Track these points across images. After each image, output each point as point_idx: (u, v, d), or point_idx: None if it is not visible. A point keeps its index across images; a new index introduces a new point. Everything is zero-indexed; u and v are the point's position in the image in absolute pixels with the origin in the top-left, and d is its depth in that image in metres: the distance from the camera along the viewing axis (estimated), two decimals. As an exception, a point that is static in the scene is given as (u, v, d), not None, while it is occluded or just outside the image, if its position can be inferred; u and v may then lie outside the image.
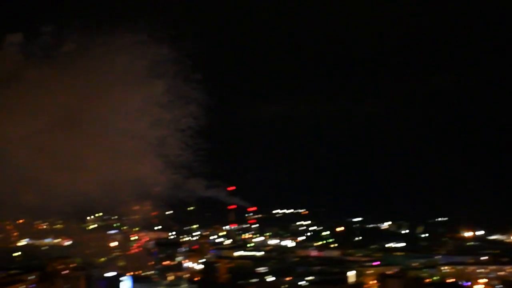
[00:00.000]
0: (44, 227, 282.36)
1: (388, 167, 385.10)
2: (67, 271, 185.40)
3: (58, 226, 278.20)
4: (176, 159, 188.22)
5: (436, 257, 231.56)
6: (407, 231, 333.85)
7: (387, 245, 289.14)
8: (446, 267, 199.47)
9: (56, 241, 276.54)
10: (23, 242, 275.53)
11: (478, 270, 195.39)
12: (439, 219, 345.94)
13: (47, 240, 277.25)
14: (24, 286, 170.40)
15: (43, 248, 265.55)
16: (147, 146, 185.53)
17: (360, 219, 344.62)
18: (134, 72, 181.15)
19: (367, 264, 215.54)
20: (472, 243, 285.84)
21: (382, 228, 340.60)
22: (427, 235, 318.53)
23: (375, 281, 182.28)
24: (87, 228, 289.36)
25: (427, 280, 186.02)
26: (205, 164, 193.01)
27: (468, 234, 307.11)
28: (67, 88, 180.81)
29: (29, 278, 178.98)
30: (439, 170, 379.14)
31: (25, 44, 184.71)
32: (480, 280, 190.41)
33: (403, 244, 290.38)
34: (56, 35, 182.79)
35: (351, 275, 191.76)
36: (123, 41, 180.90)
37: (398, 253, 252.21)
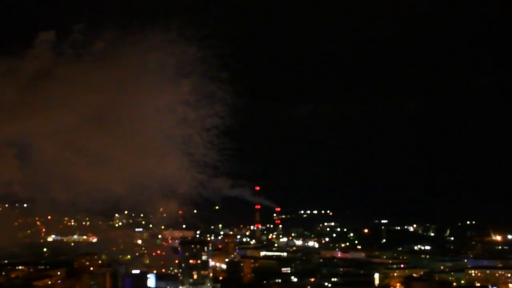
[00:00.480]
0: (72, 223, 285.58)
1: (415, 169, 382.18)
2: (93, 268, 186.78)
3: (86, 223, 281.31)
4: (201, 158, 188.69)
5: (464, 260, 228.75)
6: (434, 234, 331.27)
7: (413, 248, 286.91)
8: (474, 271, 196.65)
9: (83, 237, 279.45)
10: (51, 238, 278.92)
11: (507, 274, 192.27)
12: (467, 222, 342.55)
13: (75, 237, 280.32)
14: (52, 281, 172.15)
15: (70, 244, 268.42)
16: (173, 145, 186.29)
17: (385, 221, 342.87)
18: (162, 71, 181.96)
19: (393, 266, 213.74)
20: (501, 247, 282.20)
21: (409, 230, 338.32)
22: (454, 238, 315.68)
23: (401, 284, 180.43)
24: (114, 225, 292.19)
25: (454, 284, 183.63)
26: (230, 163, 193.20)
27: (497, 237, 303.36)
28: (97, 86, 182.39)
29: (56, 273, 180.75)
30: (469, 173, 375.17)
31: (57, 42, 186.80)
32: (510, 285, 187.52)
33: (430, 247, 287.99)
34: (87, 34, 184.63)
35: (376, 277, 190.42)
36: (153, 40, 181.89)
37: (425, 256, 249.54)
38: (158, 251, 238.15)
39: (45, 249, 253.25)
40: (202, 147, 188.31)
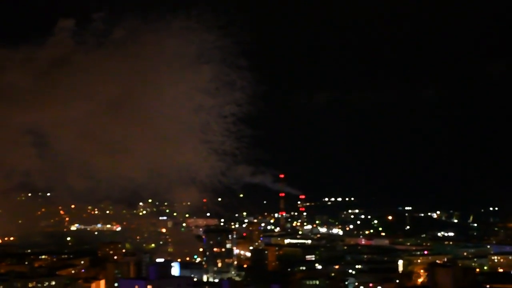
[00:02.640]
0: (96, 212, 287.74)
1: (439, 156, 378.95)
2: (117, 257, 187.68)
3: (109, 211, 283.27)
4: (219, 145, 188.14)
5: (487, 246, 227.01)
6: (457, 220, 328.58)
7: (437, 234, 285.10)
8: (497, 257, 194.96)
9: (107, 226, 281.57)
10: (74, 227, 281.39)
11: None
12: (490, 208, 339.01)
13: (98, 226, 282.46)
14: (75, 270, 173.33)
15: (94, 233, 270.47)
16: (191, 132, 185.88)
17: (409, 208, 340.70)
18: (181, 58, 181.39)
19: (417, 253, 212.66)
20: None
21: (432, 217, 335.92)
22: (477, 224, 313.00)
23: (425, 271, 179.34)
24: (138, 214, 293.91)
25: (478, 270, 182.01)
26: (249, 151, 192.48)
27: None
28: (115, 74, 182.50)
29: (80, 262, 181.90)
30: (492, 159, 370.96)
31: (77, 30, 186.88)
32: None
33: (453, 234, 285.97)
34: (107, 22, 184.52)
35: (400, 264, 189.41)
36: (172, 28, 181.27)
37: (448, 242, 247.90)
38: (182, 238, 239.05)
39: (68, 238, 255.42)
40: (219, 134, 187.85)
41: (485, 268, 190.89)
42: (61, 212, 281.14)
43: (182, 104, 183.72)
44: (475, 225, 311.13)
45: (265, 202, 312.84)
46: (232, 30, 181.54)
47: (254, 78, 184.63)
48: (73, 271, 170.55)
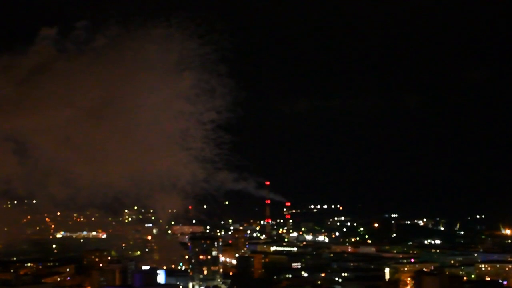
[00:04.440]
0: (81, 220, 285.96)
1: (425, 163, 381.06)
2: (103, 264, 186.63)
3: (95, 219, 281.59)
4: (199, 152, 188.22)
5: (474, 254, 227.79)
6: (444, 228, 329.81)
7: (423, 242, 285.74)
8: (484, 265, 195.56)
9: (92, 234, 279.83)
10: (60, 235, 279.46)
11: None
12: (477, 216, 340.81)
13: (84, 233, 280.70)
14: (61, 278, 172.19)
15: (79, 240, 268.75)
16: (171, 139, 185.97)
17: (395, 215, 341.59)
18: (162, 66, 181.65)
19: (403, 260, 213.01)
20: (511, 241, 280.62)
21: (419, 224, 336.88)
22: (464, 232, 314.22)
23: (411, 278, 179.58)
24: (124, 221, 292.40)
25: (465, 278, 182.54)
26: (231, 158, 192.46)
27: (507, 231, 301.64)
28: (95, 81, 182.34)
29: (66, 270, 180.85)
30: (477, 168, 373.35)
31: (59, 38, 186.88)
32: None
33: (440, 241, 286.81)
34: (89, 30, 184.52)
35: (387, 271, 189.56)
36: (153, 35, 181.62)
37: (435, 250, 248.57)
38: (167, 245, 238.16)
39: (54, 246, 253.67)
40: (199, 141, 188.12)
41: (473, 276, 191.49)
42: (47, 219, 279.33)
43: (161, 110, 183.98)
44: (462, 232, 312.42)
45: (251, 209, 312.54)
46: (212, 37, 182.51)
47: (234, 85, 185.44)
48: (58, 279, 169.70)
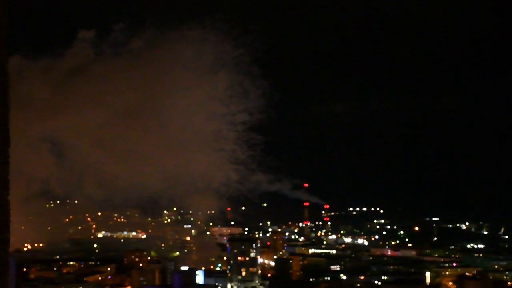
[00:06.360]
0: (122, 220, 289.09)
1: (468, 166, 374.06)
2: (143, 264, 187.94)
3: (135, 219, 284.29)
4: (232, 154, 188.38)
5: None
6: (488, 232, 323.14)
7: (466, 246, 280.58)
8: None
9: (132, 234, 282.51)
10: (101, 234, 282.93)
11: None
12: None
13: (124, 233, 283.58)
14: (102, 277, 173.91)
15: (120, 240, 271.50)
16: (203, 140, 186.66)
17: (437, 218, 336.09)
18: (196, 68, 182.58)
19: (445, 264, 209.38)
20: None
21: (461, 228, 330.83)
22: (509, 236, 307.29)
23: (453, 283, 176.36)
24: (163, 222, 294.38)
25: (509, 284, 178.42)
26: (264, 159, 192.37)
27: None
28: (131, 83, 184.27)
29: (107, 269, 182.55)
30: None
31: (96, 41, 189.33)
32: None
33: (483, 246, 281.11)
34: (126, 33, 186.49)
35: (427, 275, 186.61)
36: (188, 37, 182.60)
37: (478, 254, 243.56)
38: (206, 246, 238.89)
39: (95, 245, 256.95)
40: (231, 142, 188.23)
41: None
42: (88, 219, 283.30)
43: (195, 112, 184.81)
44: (506, 237, 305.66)
45: (289, 211, 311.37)
46: (246, 39, 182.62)
47: (268, 86, 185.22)
48: (99, 278, 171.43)
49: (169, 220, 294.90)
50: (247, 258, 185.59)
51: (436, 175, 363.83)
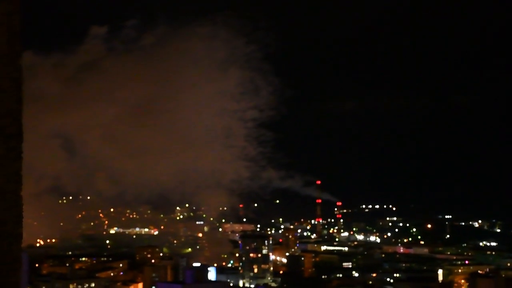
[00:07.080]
0: (134, 216, 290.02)
1: (481, 164, 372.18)
2: (155, 260, 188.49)
3: (147, 215, 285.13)
4: (242, 150, 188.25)
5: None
6: (501, 229, 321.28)
7: (478, 244, 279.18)
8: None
9: (144, 230, 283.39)
10: (113, 230, 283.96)
11: None
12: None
13: (136, 229, 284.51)
14: (114, 273, 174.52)
15: (132, 236, 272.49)
16: (214, 136, 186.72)
17: (449, 216, 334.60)
18: (207, 64, 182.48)
19: (457, 262, 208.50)
20: None
21: (474, 226, 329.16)
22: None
23: (466, 281, 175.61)
24: (175, 218, 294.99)
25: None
26: (275, 156, 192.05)
27: None
28: (142, 79, 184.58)
29: (119, 265, 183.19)
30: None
31: (108, 37, 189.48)
32: None
33: (496, 243, 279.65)
34: (137, 29, 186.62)
35: (440, 273, 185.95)
36: (199, 34, 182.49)
37: (491, 252, 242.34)
38: (218, 243, 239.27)
39: (107, 241, 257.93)
40: (241, 139, 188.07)
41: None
42: (101, 215, 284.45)
43: (206, 108, 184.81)
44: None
45: (302, 208, 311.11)
46: (257, 35, 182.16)
47: (279, 83, 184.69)
48: (112, 274, 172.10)
49: (181, 216, 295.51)
50: (259, 255, 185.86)
51: (449, 173, 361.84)
